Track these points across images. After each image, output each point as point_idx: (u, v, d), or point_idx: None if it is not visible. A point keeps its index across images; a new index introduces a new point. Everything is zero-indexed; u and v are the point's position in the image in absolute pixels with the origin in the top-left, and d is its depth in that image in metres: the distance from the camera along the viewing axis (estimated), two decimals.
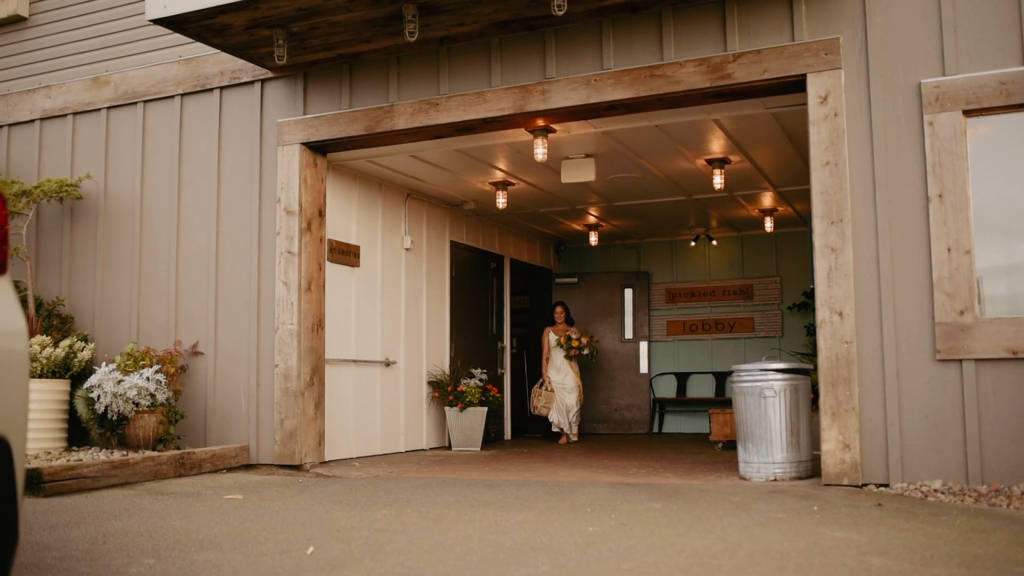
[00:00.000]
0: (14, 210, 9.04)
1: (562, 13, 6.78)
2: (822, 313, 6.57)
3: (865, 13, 6.67)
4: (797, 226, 12.88)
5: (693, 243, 13.81)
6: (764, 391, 6.99)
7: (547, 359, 12.00)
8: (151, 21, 7.56)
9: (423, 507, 5.78)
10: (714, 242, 13.74)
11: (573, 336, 11.89)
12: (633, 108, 7.56)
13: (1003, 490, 5.82)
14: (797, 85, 6.94)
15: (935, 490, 5.98)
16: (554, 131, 8.34)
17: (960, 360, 6.19)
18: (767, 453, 6.96)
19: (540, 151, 8.35)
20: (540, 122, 8.07)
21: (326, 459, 8.75)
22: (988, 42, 6.34)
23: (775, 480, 6.88)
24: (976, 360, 6.15)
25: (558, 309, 12.06)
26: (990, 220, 6.30)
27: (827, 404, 6.49)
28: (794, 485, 6.61)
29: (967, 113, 6.36)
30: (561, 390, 11.71)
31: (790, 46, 6.84)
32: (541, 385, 11.74)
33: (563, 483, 7.06)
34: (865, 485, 6.35)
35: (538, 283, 14.32)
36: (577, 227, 13.25)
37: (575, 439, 11.89)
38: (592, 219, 12.69)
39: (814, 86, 6.74)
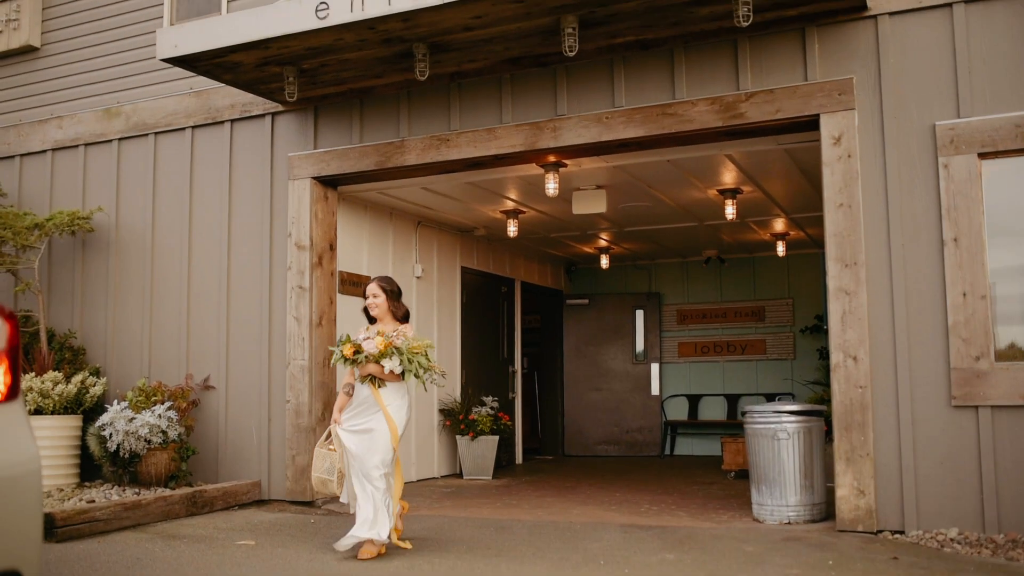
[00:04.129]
0: (26, 243, 9.06)
1: (573, 54, 6.75)
2: (836, 357, 6.52)
3: (879, 53, 6.63)
4: (809, 248, 12.81)
5: (705, 264, 13.75)
6: (777, 433, 6.94)
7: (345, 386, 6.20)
8: (162, 60, 7.57)
9: (435, 557, 5.76)
10: (726, 264, 13.68)
11: (373, 339, 5.93)
12: (645, 146, 7.53)
13: (1020, 540, 5.76)
14: (810, 124, 6.90)
15: (951, 539, 5.92)
16: (565, 165, 8.31)
17: (976, 407, 6.13)
18: (781, 496, 6.91)
19: (551, 186, 8.33)
20: (551, 158, 8.04)
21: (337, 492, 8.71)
22: (1003, 84, 6.29)
23: (789, 523, 6.83)
24: (992, 407, 6.10)
25: (371, 288, 6.27)
26: (1006, 264, 6.24)
27: (841, 449, 6.44)
28: (808, 530, 6.56)
29: (982, 156, 6.31)
30: (351, 438, 5.91)
31: (803, 86, 6.79)
32: (328, 436, 6.18)
33: (575, 525, 7.03)
34: (880, 532, 6.29)
35: (549, 304, 14.29)
36: (588, 250, 13.22)
37: (398, 542, 6.08)
38: (603, 243, 12.66)
39: (827, 127, 6.69)
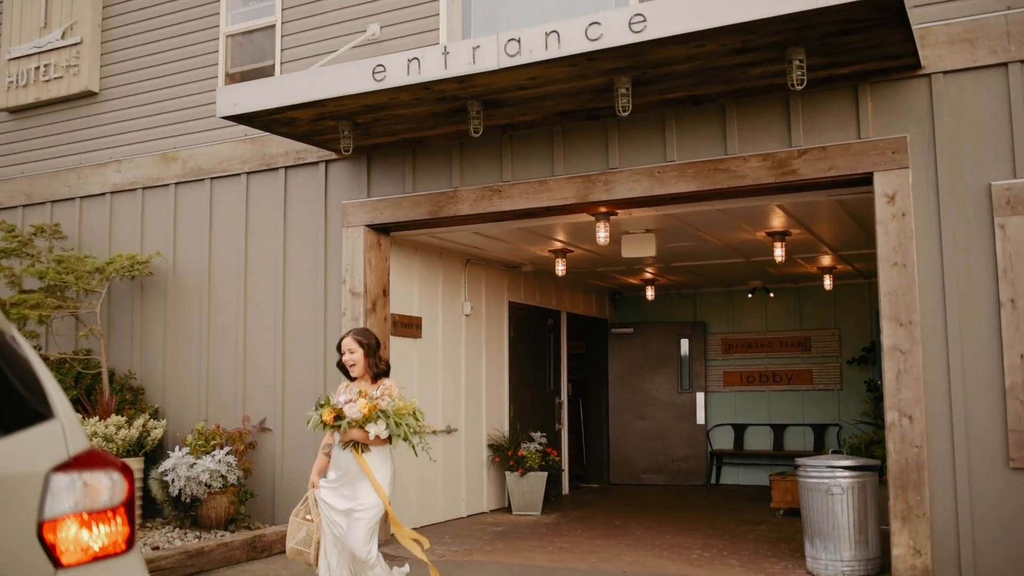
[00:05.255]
0: (88, 287, 9.30)
1: (626, 114, 6.83)
2: (891, 415, 6.54)
3: (933, 112, 6.64)
4: (856, 279, 12.76)
5: (750, 295, 13.75)
6: (831, 488, 6.97)
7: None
8: (222, 118, 7.75)
9: None
10: (771, 294, 13.66)
11: (355, 402, 5.42)
12: (696, 199, 7.60)
13: None
14: (863, 180, 6.92)
15: None
16: (616, 214, 8.38)
17: None
18: (835, 551, 6.94)
19: (602, 234, 8.41)
20: (602, 209, 8.13)
21: (391, 532, 8.86)
22: None
23: None
24: None
25: (346, 342, 5.76)
26: None
27: (897, 508, 6.46)
28: None
29: None
30: (332, 512, 5.49)
31: (856, 143, 6.82)
32: (304, 502, 5.71)
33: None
34: None
35: (594, 332, 14.36)
36: (633, 281, 13.28)
37: None
38: (649, 275, 12.71)
39: (881, 185, 6.71)
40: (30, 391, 2.47)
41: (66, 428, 2.46)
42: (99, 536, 2.42)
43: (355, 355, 5.68)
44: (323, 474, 5.66)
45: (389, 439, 5.38)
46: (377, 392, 5.46)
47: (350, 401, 5.40)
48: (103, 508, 2.45)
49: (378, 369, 5.70)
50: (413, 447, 5.46)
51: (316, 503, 5.55)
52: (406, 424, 5.37)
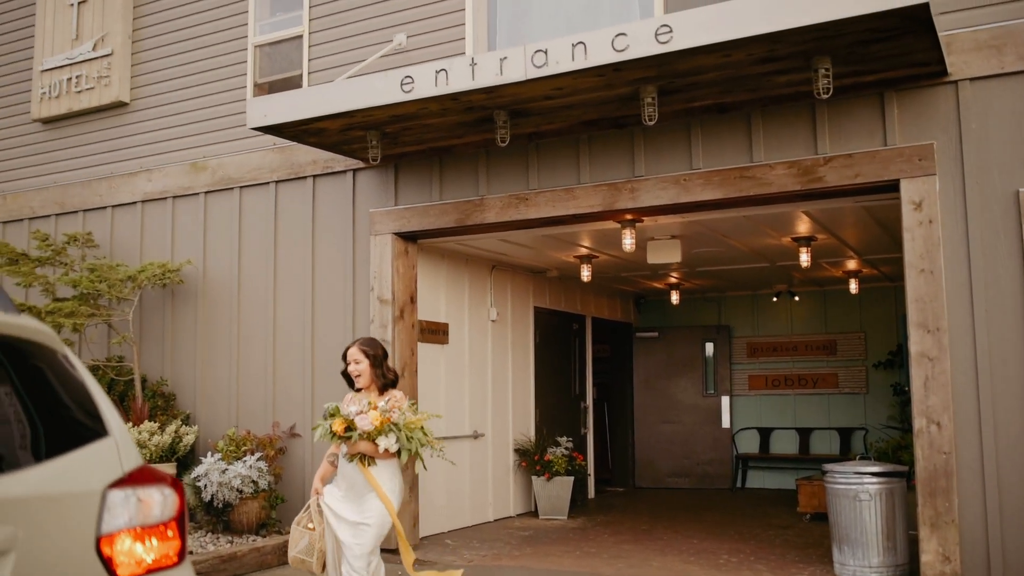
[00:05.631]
0: (120, 295, 9.45)
1: (653, 123, 6.88)
2: (919, 423, 6.55)
3: (960, 119, 6.64)
4: (882, 282, 12.73)
5: (775, 299, 13.74)
6: (859, 494, 6.99)
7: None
8: (252, 128, 7.86)
9: None
10: (796, 298, 13.65)
11: (367, 413, 5.28)
12: (722, 206, 7.63)
13: None
14: (889, 187, 6.93)
15: None
16: (642, 221, 8.43)
17: None
18: (863, 557, 6.96)
19: (628, 241, 8.46)
20: (628, 216, 8.17)
21: (420, 536, 8.95)
22: None
23: None
24: None
25: (352, 353, 5.62)
26: None
27: (926, 514, 6.46)
28: None
29: None
30: (337, 520, 5.36)
31: (883, 151, 6.83)
32: (307, 510, 5.58)
33: None
34: None
35: (618, 336, 14.40)
36: (658, 286, 13.31)
37: None
38: (673, 280, 12.74)
39: (908, 192, 6.72)
40: (85, 409, 2.56)
41: (120, 445, 2.55)
42: (152, 549, 2.51)
43: (360, 365, 5.52)
44: (326, 483, 5.54)
45: (398, 453, 5.23)
46: (385, 404, 5.31)
47: (361, 412, 5.23)
48: (156, 523, 2.54)
49: (385, 380, 5.54)
50: (422, 460, 5.34)
51: (319, 511, 5.42)
52: (416, 439, 5.22)
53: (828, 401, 13.41)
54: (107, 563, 2.39)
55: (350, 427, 5.21)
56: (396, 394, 5.48)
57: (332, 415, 5.30)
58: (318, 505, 5.43)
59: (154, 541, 2.51)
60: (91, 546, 2.36)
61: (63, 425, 2.49)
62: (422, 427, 5.30)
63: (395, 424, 5.19)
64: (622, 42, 6.21)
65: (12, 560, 2.18)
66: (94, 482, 2.42)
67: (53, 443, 2.41)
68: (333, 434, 5.24)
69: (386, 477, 5.30)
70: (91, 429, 2.52)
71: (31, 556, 2.22)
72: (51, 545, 2.28)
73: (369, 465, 5.26)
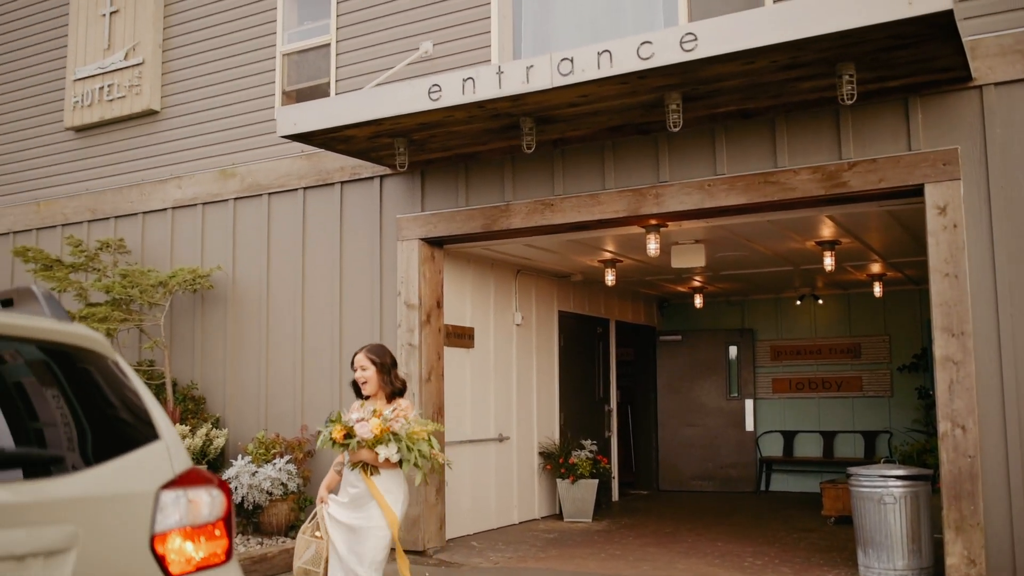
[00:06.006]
0: (152, 301, 9.62)
1: (677, 129, 6.95)
2: (944, 426, 6.58)
3: (984, 123, 6.67)
4: (906, 285, 12.72)
5: (799, 302, 13.76)
6: (884, 497, 7.03)
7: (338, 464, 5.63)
8: (282, 136, 8.00)
9: None
10: (820, 301, 13.66)
11: (368, 421, 5.15)
12: (746, 211, 7.69)
13: None
14: (914, 191, 6.97)
15: None
16: (666, 226, 8.50)
17: None
18: (888, 560, 6.99)
19: (652, 246, 8.53)
20: (653, 221, 8.24)
21: (447, 538, 9.05)
22: None
23: None
24: None
25: (358, 359, 5.50)
26: None
27: (950, 517, 6.50)
28: None
29: None
30: (340, 530, 5.22)
31: (907, 155, 6.87)
32: (313, 519, 5.48)
33: None
34: None
35: (642, 339, 14.45)
36: (682, 289, 13.37)
37: None
38: (697, 283, 12.78)
39: (932, 196, 6.76)
40: (137, 414, 2.68)
41: (170, 448, 2.66)
42: (202, 548, 2.62)
43: (367, 372, 5.39)
44: (333, 491, 5.44)
45: (400, 463, 5.11)
46: (390, 412, 5.16)
47: (362, 420, 5.10)
48: (204, 522, 2.65)
49: (393, 388, 5.41)
50: (423, 473, 5.17)
51: (324, 521, 5.27)
52: (418, 450, 5.08)
53: (852, 404, 13.41)
54: (160, 561, 2.50)
55: (349, 434, 5.09)
56: (403, 403, 5.34)
57: (333, 422, 5.19)
58: (324, 514, 5.30)
59: (203, 540, 2.62)
60: (146, 544, 2.48)
61: (117, 429, 2.61)
62: (428, 439, 5.16)
63: (395, 434, 5.06)
64: (647, 50, 6.29)
65: (73, 557, 2.29)
66: (147, 483, 2.53)
67: (108, 446, 2.52)
68: (333, 441, 5.14)
69: (390, 487, 5.17)
70: (143, 433, 2.63)
71: (90, 554, 2.33)
72: (108, 543, 2.39)
73: (372, 474, 5.14)
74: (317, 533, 5.36)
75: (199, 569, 2.60)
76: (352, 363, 5.49)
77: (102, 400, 2.64)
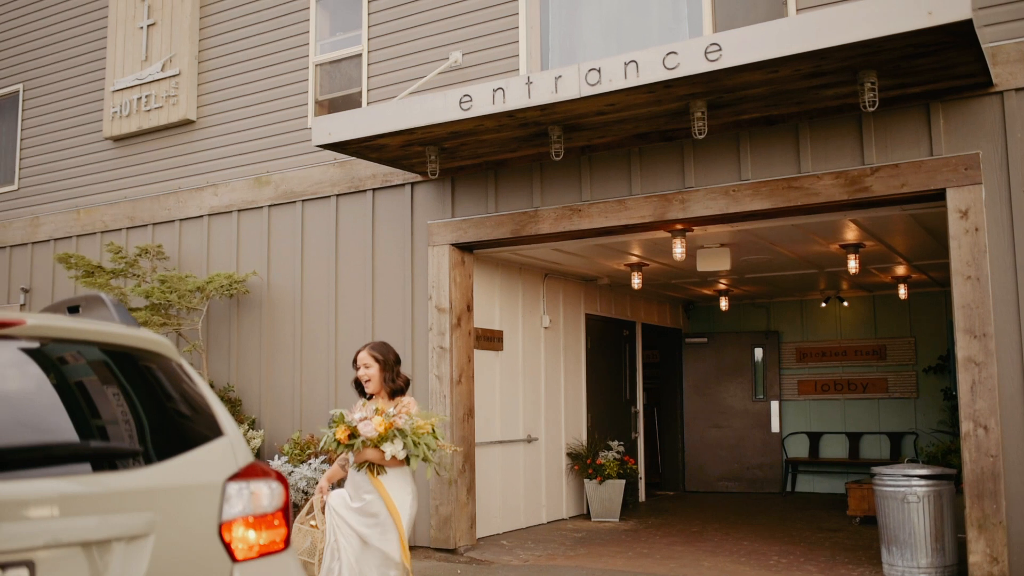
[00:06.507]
0: (190, 306, 9.89)
1: (702, 137, 7.12)
2: (966, 426, 6.71)
3: (1005, 128, 6.79)
4: (931, 287, 12.79)
5: (824, 304, 13.86)
6: (907, 496, 7.15)
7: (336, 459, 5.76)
8: (317, 146, 8.24)
9: None
10: (845, 303, 13.75)
11: (371, 419, 5.12)
12: (770, 216, 7.84)
13: None
14: (935, 196, 7.09)
15: None
16: (692, 231, 8.66)
17: None
18: (911, 558, 7.12)
19: (678, 250, 8.69)
20: (678, 226, 8.41)
21: (477, 536, 9.25)
22: None
23: None
24: None
25: (361, 357, 5.47)
26: None
27: (973, 516, 6.62)
28: None
29: None
30: (351, 539, 5.13)
31: (928, 160, 7.00)
32: (310, 508, 5.57)
33: None
34: None
35: (668, 341, 14.60)
36: (707, 292, 13.50)
37: None
38: (722, 286, 12.92)
39: (954, 201, 6.88)
40: (203, 412, 2.90)
41: (234, 444, 2.88)
42: (262, 535, 2.83)
43: (370, 370, 5.36)
44: (337, 484, 5.37)
45: (407, 460, 5.04)
46: (393, 410, 5.13)
47: (365, 419, 5.06)
48: (264, 512, 2.86)
49: (395, 386, 5.37)
50: (432, 466, 5.13)
51: (322, 510, 5.20)
52: (425, 444, 5.01)
53: (878, 406, 13.49)
54: (227, 546, 2.72)
55: (354, 434, 5.02)
56: (405, 400, 5.32)
57: (336, 422, 5.11)
58: (322, 503, 5.25)
59: (264, 528, 2.83)
60: (214, 531, 2.69)
61: (186, 426, 2.83)
62: (431, 431, 5.09)
63: (400, 430, 5.01)
64: (673, 60, 6.46)
65: (152, 542, 2.51)
66: (215, 476, 2.75)
67: (179, 442, 2.74)
68: (337, 442, 5.06)
69: (397, 487, 5.10)
70: (210, 429, 2.85)
71: (166, 539, 2.55)
72: (182, 530, 2.61)
73: (379, 474, 5.07)
74: (313, 522, 5.31)
75: (260, 555, 2.81)
76: (355, 361, 5.45)
77: (172, 399, 2.87)
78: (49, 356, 2.70)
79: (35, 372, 2.64)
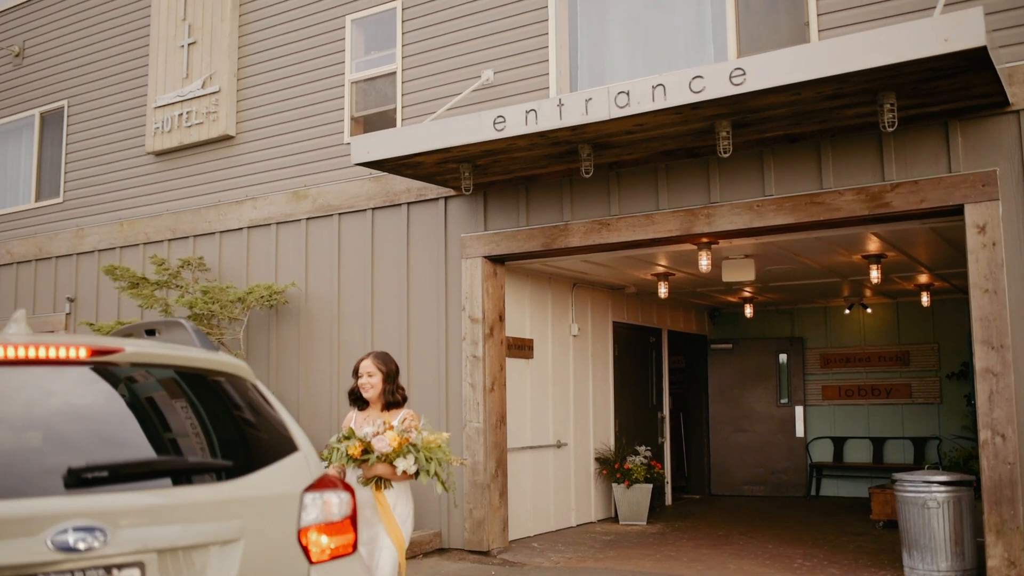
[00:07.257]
0: (231, 316, 10.27)
1: (727, 156, 7.40)
2: (984, 434, 6.95)
3: (1022, 146, 7.03)
4: (954, 294, 12.97)
5: (847, 311, 14.07)
6: (927, 502, 7.40)
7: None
8: (356, 164, 8.59)
9: None
10: (868, 310, 13.96)
11: (383, 434, 5.06)
12: (793, 230, 8.10)
13: None
14: (954, 211, 7.33)
15: None
16: (717, 243, 8.93)
17: None
18: (932, 561, 7.36)
19: (704, 262, 8.97)
20: (704, 239, 8.69)
21: (509, 539, 9.56)
22: None
23: None
24: None
25: (364, 365, 5.47)
26: None
27: (991, 521, 6.85)
28: None
29: None
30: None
31: (947, 177, 7.25)
32: None
33: None
34: None
35: (693, 348, 14.86)
36: (732, 299, 13.75)
37: None
38: (747, 294, 13.17)
39: (972, 216, 7.13)
40: (279, 430, 3.23)
41: (308, 458, 3.21)
42: (334, 540, 3.16)
43: (373, 379, 5.33)
44: None
45: (416, 474, 5.00)
46: (400, 424, 5.09)
47: (378, 434, 4.96)
48: (335, 520, 3.18)
49: (392, 398, 5.34)
50: (442, 483, 5.07)
51: None
52: (437, 459, 5.00)
53: (901, 411, 13.68)
54: (304, 550, 3.04)
55: (367, 449, 4.96)
56: (407, 413, 5.31)
57: (347, 437, 5.04)
58: None
59: (335, 534, 3.16)
60: (294, 536, 3.02)
61: (268, 442, 3.16)
62: (441, 446, 5.07)
63: (413, 445, 4.98)
64: (699, 84, 6.75)
65: (242, 546, 2.85)
66: (293, 487, 3.08)
67: (263, 456, 3.08)
68: (350, 457, 4.97)
69: (400, 502, 5.15)
70: (286, 445, 3.18)
71: (254, 544, 2.88)
72: (267, 535, 2.94)
73: (385, 488, 5.06)
74: None
75: (332, 558, 3.13)
76: (355, 370, 5.40)
77: (254, 419, 3.20)
78: (146, 381, 3.04)
79: (135, 396, 2.98)
